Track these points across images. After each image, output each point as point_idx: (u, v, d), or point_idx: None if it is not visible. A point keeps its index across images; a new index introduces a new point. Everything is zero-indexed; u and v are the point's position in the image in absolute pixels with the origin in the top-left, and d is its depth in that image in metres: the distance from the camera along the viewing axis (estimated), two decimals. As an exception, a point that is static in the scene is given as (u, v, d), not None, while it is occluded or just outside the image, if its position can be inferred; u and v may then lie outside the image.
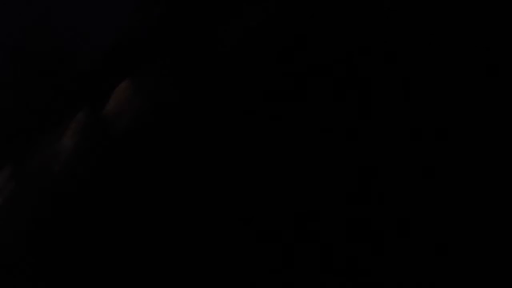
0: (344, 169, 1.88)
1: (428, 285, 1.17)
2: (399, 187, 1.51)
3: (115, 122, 5.94)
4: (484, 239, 1.15)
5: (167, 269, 2.22)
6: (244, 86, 3.32)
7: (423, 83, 1.82)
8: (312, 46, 2.80)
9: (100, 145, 5.98)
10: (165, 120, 4.29)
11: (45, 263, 3.56)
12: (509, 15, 1.56)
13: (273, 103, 2.75)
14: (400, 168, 1.58)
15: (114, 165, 4.55)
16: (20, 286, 3.47)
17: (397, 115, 1.82)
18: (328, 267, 1.48)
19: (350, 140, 1.96)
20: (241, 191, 2.29)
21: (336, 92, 2.39)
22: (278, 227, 1.87)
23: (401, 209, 1.43)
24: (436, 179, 1.43)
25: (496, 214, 1.19)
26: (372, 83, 2.18)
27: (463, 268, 1.12)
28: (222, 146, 2.88)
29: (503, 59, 1.52)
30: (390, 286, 1.21)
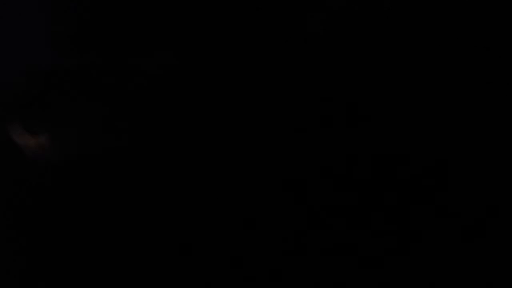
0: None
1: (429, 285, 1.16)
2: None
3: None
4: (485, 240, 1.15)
5: None
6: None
7: (423, 84, 1.81)
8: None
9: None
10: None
11: None
12: (509, 15, 1.57)
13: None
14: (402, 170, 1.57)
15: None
16: None
17: (397, 116, 1.81)
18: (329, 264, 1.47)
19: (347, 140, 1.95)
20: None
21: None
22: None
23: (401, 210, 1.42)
24: (438, 182, 1.42)
25: (497, 215, 1.18)
26: (370, 83, 2.18)
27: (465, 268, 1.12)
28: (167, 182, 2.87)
29: (503, 59, 1.52)
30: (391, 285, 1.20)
